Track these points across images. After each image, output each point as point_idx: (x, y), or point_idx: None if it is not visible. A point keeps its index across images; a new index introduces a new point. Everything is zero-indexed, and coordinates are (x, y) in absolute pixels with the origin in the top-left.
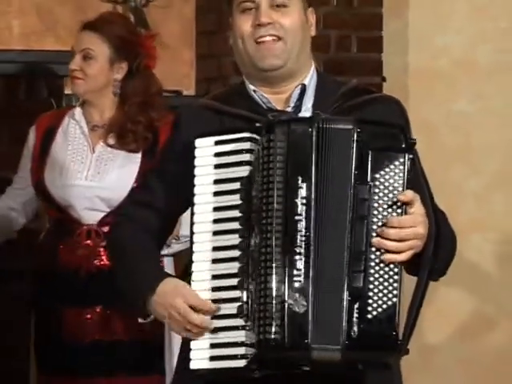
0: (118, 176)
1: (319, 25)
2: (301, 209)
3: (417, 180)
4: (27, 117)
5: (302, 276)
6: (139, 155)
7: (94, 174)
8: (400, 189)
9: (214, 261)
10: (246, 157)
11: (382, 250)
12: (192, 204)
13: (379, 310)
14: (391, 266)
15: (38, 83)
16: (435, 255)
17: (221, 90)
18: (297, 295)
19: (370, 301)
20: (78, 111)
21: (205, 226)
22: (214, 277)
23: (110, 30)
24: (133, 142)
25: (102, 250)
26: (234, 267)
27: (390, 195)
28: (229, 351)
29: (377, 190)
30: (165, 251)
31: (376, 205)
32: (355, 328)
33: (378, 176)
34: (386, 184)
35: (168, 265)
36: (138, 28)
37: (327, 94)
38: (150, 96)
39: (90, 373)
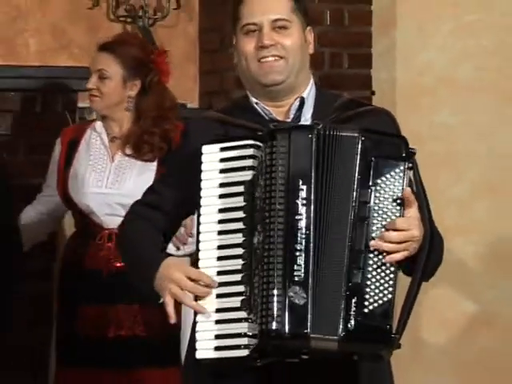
0: (135, 183)
1: (314, 43)
2: (301, 209)
3: (415, 187)
4: (43, 128)
5: (303, 271)
6: (155, 163)
7: (113, 182)
8: (399, 194)
9: (219, 258)
10: (250, 162)
11: (380, 250)
12: (199, 206)
13: (375, 305)
14: (388, 264)
15: (52, 97)
16: (428, 258)
17: (225, 104)
18: (297, 288)
19: (367, 296)
20: (99, 124)
21: (211, 226)
22: (220, 273)
23: (124, 51)
24: (149, 152)
25: None
26: (238, 264)
27: (390, 199)
28: (233, 342)
29: (377, 195)
30: (181, 252)
31: (376, 208)
32: (352, 321)
33: (379, 181)
34: (387, 189)
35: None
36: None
37: (324, 106)
38: (164, 110)
39: (112, 366)
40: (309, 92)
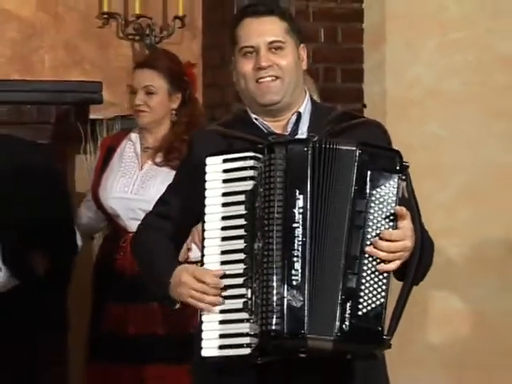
0: (157, 191)
1: (309, 59)
2: (298, 217)
3: (408, 198)
4: (57, 138)
5: (299, 275)
6: None
7: (138, 189)
8: (393, 204)
9: (223, 263)
10: (250, 173)
11: (374, 257)
12: (203, 214)
13: (368, 308)
14: None
15: (66, 109)
16: (418, 265)
17: (227, 118)
18: (294, 291)
19: (361, 300)
20: (134, 135)
21: (214, 233)
22: (223, 276)
23: (165, 66)
24: (176, 158)
25: None
26: (239, 268)
27: (384, 209)
28: (235, 341)
29: (372, 205)
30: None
31: (371, 217)
32: (347, 322)
33: (374, 192)
34: (381, 200)
35: None
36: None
37: (320, 119)
38: (195, 117)
39: (133, 361)
40: (305, 107)
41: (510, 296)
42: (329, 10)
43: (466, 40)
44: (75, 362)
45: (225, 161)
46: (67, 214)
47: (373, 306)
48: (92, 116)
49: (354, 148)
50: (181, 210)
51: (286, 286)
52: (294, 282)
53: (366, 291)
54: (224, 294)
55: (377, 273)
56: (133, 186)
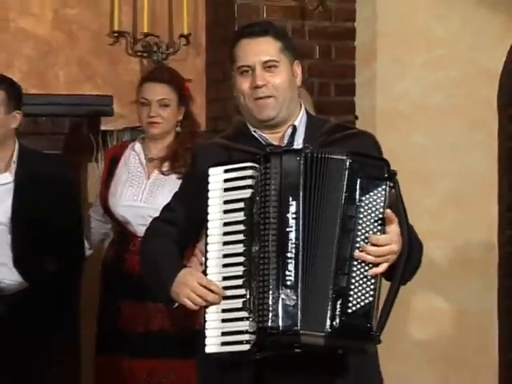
0: (165, 199)
1: (304, 74)
2: (291, 222)
3: (396, 204)
4: (70, 148)
5: (293, 276)
6: None
7: (147, 197)
8: (381, 210)
9: (224, 265)
10: (249, 182)
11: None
12: (206, 220)
13: (358, 306)
14: (370, 271)
15: (79, 121)
16: (405, 266)
17: (228, 130)
18: (288, 291)
19: (351, 298)
20: (137, 145)
21: (217, 238)
22: (224, 278)
23: (175, 80)
24: (183, 166)
25: None
26: (239, 270)
27: (373, 214)
28: (236, 338)
29: (362, 210)
30: None
31: (361, 221)
32: (337, 320)
33: (363, 198)
34: (370, 205)
35: None
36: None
37: (314, 130)
38: (196, 127)
39: (141, 356)
40: (300, 119)
41: (491, 296)
42: (323, 29)
43: (450, 56)
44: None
45: (226, 171)
46: (77, 224)
47: (362, 304)
48: (103, 127)
49: (344, 157)
50: (185, 216)
51: (280, 286)
52: (288, 282)
53: (356, 290)
54: (225, 294)
55: (366, 274)
56: (142, 195)
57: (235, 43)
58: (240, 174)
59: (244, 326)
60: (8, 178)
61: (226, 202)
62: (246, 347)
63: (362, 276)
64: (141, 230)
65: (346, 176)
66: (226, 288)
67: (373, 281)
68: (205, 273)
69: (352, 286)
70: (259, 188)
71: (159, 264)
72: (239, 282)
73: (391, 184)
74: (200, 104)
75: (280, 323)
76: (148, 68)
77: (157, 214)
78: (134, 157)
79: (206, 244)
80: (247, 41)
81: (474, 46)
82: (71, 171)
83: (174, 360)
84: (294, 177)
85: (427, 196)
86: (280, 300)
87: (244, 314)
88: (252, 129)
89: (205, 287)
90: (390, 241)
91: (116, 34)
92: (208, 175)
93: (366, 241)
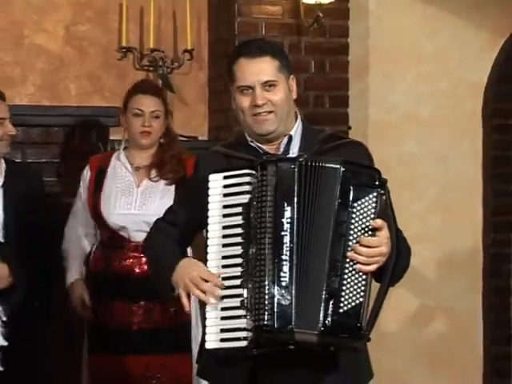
0: (158, 205)
1: (300, 87)
2: (286, 226)
3: (385, 210)
4: (81, 157)
5: (287, 277)
6: (173, 189)
7: (141, 205)
8: (372, 216)
9: (224, 266)
10: (246, 188)
11: (355, 261)
12: (206, 223)
13: (349, 306)
14: (361, 273)
15: (88, 131)
16: (394, 268)
17: (229, 140)
18: (283, 291)
19: (343, 299)
20: (122, 155)
21: (216, 240)
22: (224, 278)
23: (162, 93)
24: (169, 172)
25: (144, 259)
26: (238, 271)
27: (364, 220)
28: (234, 335)
29: (354, 216)
30: None
31: (352, 226)
32: (329, 318)
33: (355, 205)
34: (362, 211)
35: None
36: (165, 90)
37: (309, 140)
38: (175, 137)
39: (135, 353)
40: (296, 130)
41: (476, 295)
42: (318, 45)
43: (437, 71)
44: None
45: (225, 177)
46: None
47: (353, 304)
48: (111, 137)
49: (338, 166)
50: (186, 219)
51: (275, 287)
52: (283, 283)
53: (347, 291)
54: (224, 293)
55: (357, 275)
56: (135, 203)
57: (234, 61)
58: (238, 180)
59: (242, 323)
60: None
61: (225, 207)
62: (244, 344)
63: (353, 278)
64: (135, 236)
65: (339, 183)
66: (224, 288)
67: (363, 282)
68: None
69: (344, 287)
70: (256, 194)
71: (162, 256)
72: (237, 282)
73: (382, 192)
74: (203, 114)
75: (275, 321)
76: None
77: (151, 219)
78: (119, 166)
79: (206, 246)
80: (246, 61)
81: (460, 61)
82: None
83: (168, 355)
84: (289, 184)
85: (416, 201)
86: (275, 300)
87: (242, 312)
88: (249, 139)
89: (203, 278)
90: (380, 243)
91: (124, 50)
92: (208, 181)
93: (357, 244)
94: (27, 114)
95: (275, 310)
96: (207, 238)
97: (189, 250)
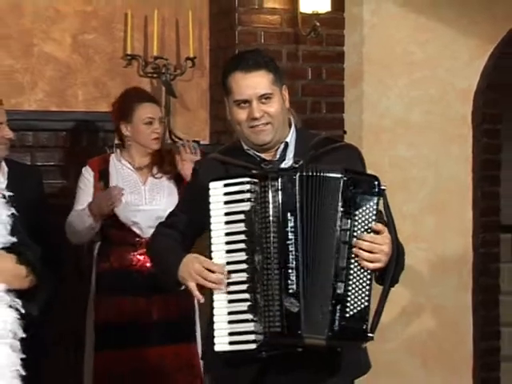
0: (168, 200)
1: (298, 93)
2: (291, 236)
3: (385, 215)
4: (88, 160)
5: (295, 285)
6: (176, 190)
7: (150, 200)
8: (373, 222)
9: (228, 272)
10: (247, 195)
11: (359, 267)
12: (209, 230)
13: (355, 310)
14: (365, 278)
15: (95, 136)
16: (395, 271)
17: (226, 146)
18: (292, 299)
19: (349, 304)
20: (120, 156)
21: (220, 247)
22: (229, 284)
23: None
24: (168, 165)
25: None
26: (243, 276)
27: (366, 227)
28: (243, 338)
29: (356, 223)
30: None
31: (355, 233)
32: (337, 323)
33: (357, 213)
34: (363, 218)
35: None
36: (168, 96)
37: (304, 144)
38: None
39: (144, 344)
40: (291, 137)
41: (466, 293)
42: (315, 53)
43: (429, 78)
44: None
45: (225, 185)
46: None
47: (358, 308)
48: (117, 141)
49: (339, 176)
50: (187, 222)
51: (283, 295)
52: (291, 291)
53: (352, 296)
54: (230, 298)
55: (361, 281)
56: (145, 199)
57: (229, 75)
58: (239, 188)
59: (250, 327)
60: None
61: (227, 214)
62: (253, 346)
63: (357, 283)
64: (147, 232)
65: (341, 192)
66: (230, 292)
67: (368, 287)
68: None
69: (349, 293)
70: (258, 204)
71: (166, 255)
72: (243, 287)
73: (381, 198)
74: (204, 120)
75: (286, 328)
76: (157, 88)
77: (162, 214)
78: (121, 167)
79: (210, 252)
80: (242, 75)
81: (451, 68)
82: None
83: (176, 345)
84: (291, 194)
85: (408, 203)
86: (284, 307)
87: (249, 316)
88: (245, 147)
89: (207, 269)
90: (382, 242)
91: (129, 57)
92: (208, 188)
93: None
94: (36, 119)
95: (285, 316)
96: (211, 244)
97: None
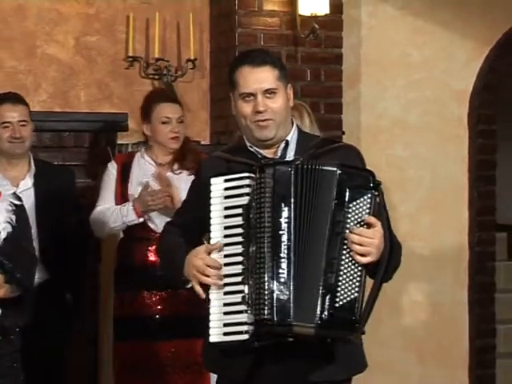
0: (185, 195)
1: (297, 95)
2: (284, 226)
3: (379, 210)
4: (90, 160)
5: (286, 273)
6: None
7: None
8: (366, 216)
9: (225, 264)
10: (246, 190)
11: (350, 258)
12: (209, 224)
13: (344, 300)
14: (356, 270)
15: (98, 136)
16: (387, 265)
17: (230, 145)
18: (282, 287)
19: (338, 294)
20: (144, 153)
21: (218, 240)
22: (226, 276)
23: (180, 101)
24: (191, 162)
25: None
26: (238, 269)
27: (359, 220)
28: (236, 329)
29: (349, 216)
30: None
31: (348, 225)
32: (326, 312)
33: (351, 205)
34: (357, 211)
35: None
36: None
37: (304, 144)
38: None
39: (157, 338)
40: (292, 135)
41: (462, 290)
42: (314, 55)
43: (426, 79)
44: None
45: (226, 180)
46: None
47: (348, 299)
48: (119, 141)
49: (334, 169)
50: (192, 220)
51: (274, 282)
52: (282, 279)
53: (343, 287)
54: (226, 290)
55: (352, 271)
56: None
57: (236, 69)
58: (238, 183)
59: (243, 318)
60: (29, 183)
61: (226, 208)
62: (245, 337)
63: (348, 274)
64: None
65: (336, 185)
66: (226, 285)
67: (358, 278)
68: None
69: (339, 283)
70: (255, 196)
71: (172, 254)
72: (239, 279)
73: (376, 193)
74: (205, 120)
75: (275, 315)
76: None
77: None
78: (143, 162)
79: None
80: (249, 69)
81: (447, 70)
82: (92, 180)
83: (187, 340)
84: (286, 185)
85: (406, 202)
86: (275, 295)
87: (243, 307)
88: (248, 144)
89: (206, 264)
90: (373, 235)
91: (131, 59)
92: (210, 184)
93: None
94: (40, 119)
95: (274, 304)
96: (209, 238)
97: None
